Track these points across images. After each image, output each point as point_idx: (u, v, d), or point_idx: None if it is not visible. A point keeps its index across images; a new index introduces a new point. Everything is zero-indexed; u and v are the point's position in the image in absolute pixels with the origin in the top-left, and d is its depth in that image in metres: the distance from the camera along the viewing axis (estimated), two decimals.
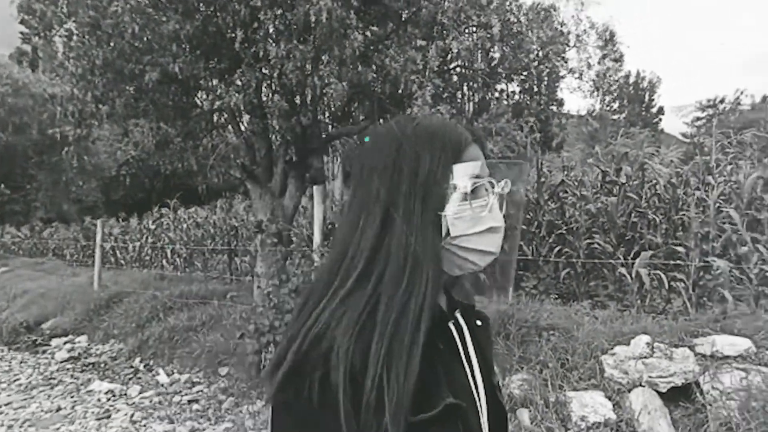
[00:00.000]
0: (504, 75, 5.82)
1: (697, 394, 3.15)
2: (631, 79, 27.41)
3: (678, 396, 3.33)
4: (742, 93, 21.52)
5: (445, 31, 4.31)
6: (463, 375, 0.71)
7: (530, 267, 6.09)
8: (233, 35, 4.39)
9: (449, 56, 4.36)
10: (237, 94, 4.42)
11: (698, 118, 20.74)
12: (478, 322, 0.78)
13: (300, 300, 0.70)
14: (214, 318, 5.24)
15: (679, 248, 4.17)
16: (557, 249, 5.74)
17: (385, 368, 0.58)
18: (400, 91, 4.32)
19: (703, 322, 3.42)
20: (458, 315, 0.76)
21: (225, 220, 9.53)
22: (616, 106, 29.41)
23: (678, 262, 4.06)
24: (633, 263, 4.39)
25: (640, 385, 3.38)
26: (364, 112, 5.66)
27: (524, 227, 6.14)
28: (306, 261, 4.47)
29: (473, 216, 0.70)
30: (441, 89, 4.84)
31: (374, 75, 4.36)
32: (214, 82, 4.78)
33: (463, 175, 0.70)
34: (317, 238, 4.83)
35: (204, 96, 5.08)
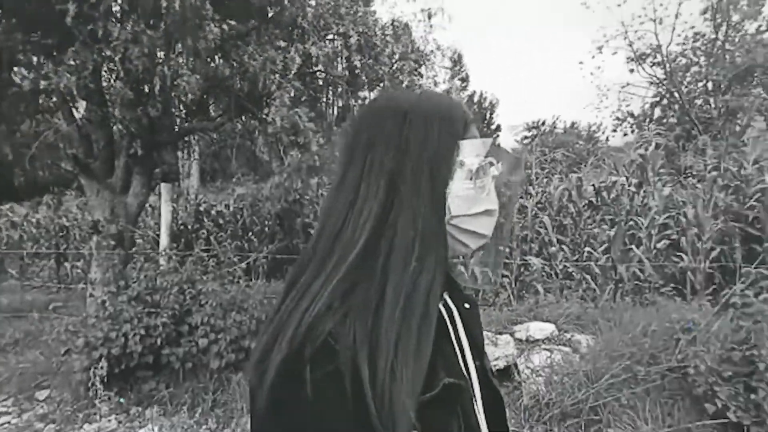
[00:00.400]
0: (365, 83, 6.06)
1: (515, 373, 3.68)
2: (475, 98, 30.71)
3: (502, 377, 3.84)
4: (557, 118, 25.69)
5: (306, 35, 4.36)
6: (454, 357, 0.67)
7: None
8: (64, 7, 3.85)
9: (310, 60, 4.42)
10: (69, 76, 3.90)
11: (525, 137, 24.20)
12: (467, 305, 0.75)
13: (288, 279, 0.63)
14: (32, 334, 4.52)
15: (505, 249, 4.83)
16: None
17: (399, 348, 0.54)
18: (259, 89, 4.25)
19: (521, 312, 4.01)
20: (447, 297, 0.72)
21: (53, 219, 8.26)
22: None
23: (504, 260, 4.70)
24: (467, 263, 4.94)
25: None
26: (220, 107, 5.42)
27: None
28: (151, 265, 4.12)
29: (474, 196, 0.67)
30: (301, 92, 4.87)
31: (231, 71, 4.21)
32: (40, 59, 4.14)
33: (470, 152, 0.67)
34: (164, 240, 4.49)
35: (25, 73, 4.36)
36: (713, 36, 11.76)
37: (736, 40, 11.54)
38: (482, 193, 0.68)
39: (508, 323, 3.97)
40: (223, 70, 4.21)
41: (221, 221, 7.42)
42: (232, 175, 13.47)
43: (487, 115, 30.62)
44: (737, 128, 10.03)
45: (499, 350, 3.80)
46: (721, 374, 2.74)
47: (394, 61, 4.71)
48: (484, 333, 3.91)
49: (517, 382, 3.66)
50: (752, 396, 2.59)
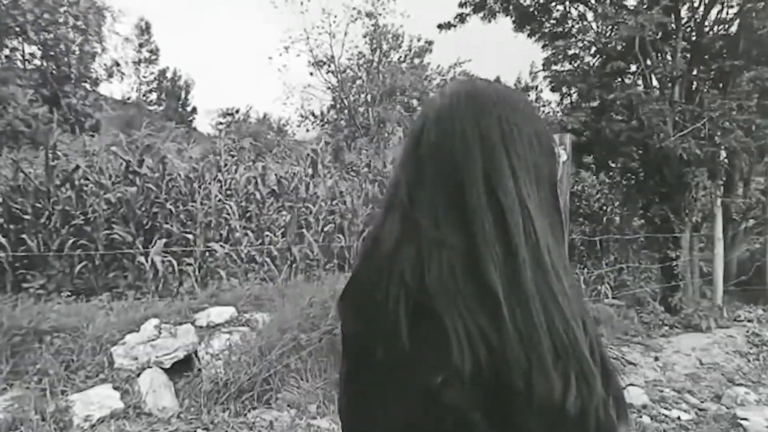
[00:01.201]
0: (19, 30, 4.65)
1: (196, 361, 3.67)
2: (168, 74, 28.33)
3: (182, 368, 3.74)
4: (250, 108, 26.59)
5: None
6: None
7: (38, 264, 5.25)
8: None
9: None
10: None
11: (220, 123, 24.10)
12: None
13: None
14: None
15: (190, 235, 4.71)
16: (72, 241, 5.21)
17: None
18: None
19: (204, 299, 4.02)
20: None
21: None
22: (153, 97, 29.60)
23: (188, 248, 4.58)
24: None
25: (149, 367, 3.58)
26: None
27: (31, 218, 5.23)
28: None
29: None
30: None
31: None
32: None
33: (559, 143, 0.59)
34: None
35: None
36: (371, 58, 14.48)
37: (386, 64, 14.58)
38: None
39: (189, 312, 3.90)
40: None
41: None
42: None
43: (182, 95, 28.60)
44: (387, 134, 12.75)
45: (179, 341, 3.69)
46: None
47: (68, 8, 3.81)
48: (163, 326, 3.74)
49: (198, 369, 3.66)
50: None
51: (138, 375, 3.55)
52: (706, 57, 5.88)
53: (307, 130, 16.31)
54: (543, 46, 6.46)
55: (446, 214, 0.56)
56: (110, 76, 18.68)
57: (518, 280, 0.52)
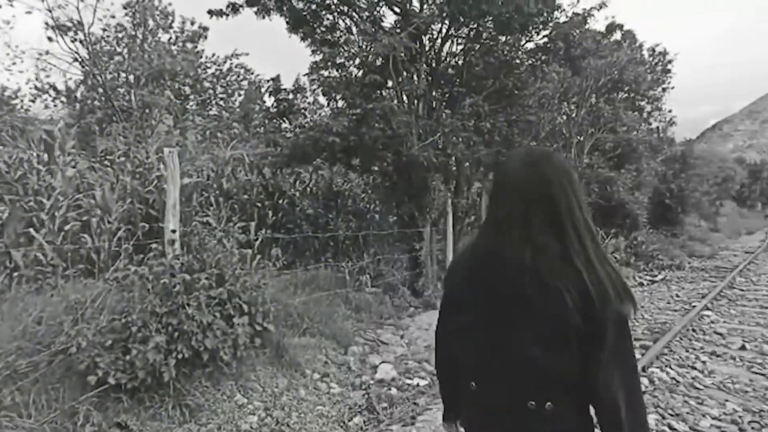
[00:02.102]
0: None
1: None
2: None
3: None
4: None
5: None
6: None
7: None
8: None
9: None
10: None
11: None
12: None
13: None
14: None
15: None
16: None
17: None
18: None
19: None
20: None
21: None
22: None
23: None
24: None
25: None
26: None
27: None
28: None
29: None
30: None
31: None
32: None
33: None
34: None
35: None
36: (133, 33, 12.73)
37: (153, 44, 13.03)
38: None
39: None
40: None
41: None
42: None
43: None
44: (153, 122, 11.41)
45: None
46: (104, 345, 3.07)
47: None
48: None
49: None
50: (127, 357, 3.07)
51: None
52: (442, 82, 7.13)
53: (46, 107, 13.37)
54: (313, 51, 6.80)
55: (546, 230, 1.19)
56: None
57: (587, 258, 1.16)
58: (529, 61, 7.13)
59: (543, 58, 7.04)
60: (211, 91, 13.16)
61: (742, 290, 9.90)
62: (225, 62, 13.59)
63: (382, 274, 6.86)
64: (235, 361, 3.79)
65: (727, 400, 4.26)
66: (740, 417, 3.91)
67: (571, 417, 1.20)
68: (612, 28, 13.05)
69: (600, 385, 1.12)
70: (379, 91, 6.89)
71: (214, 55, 13.94)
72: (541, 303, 1.13)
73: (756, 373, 5.00)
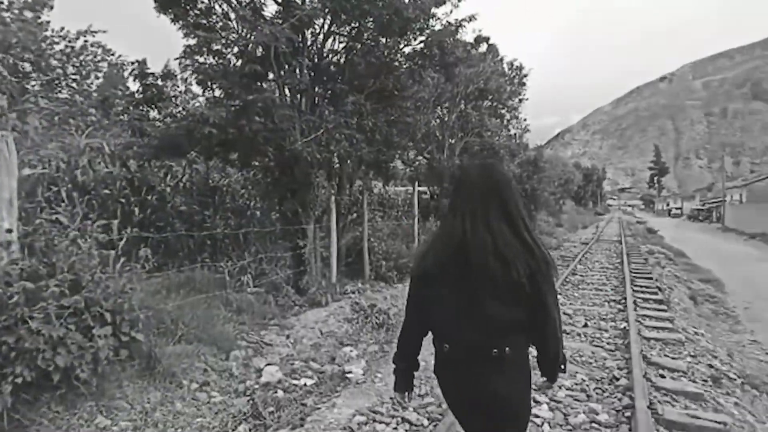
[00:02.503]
0: None
1: None
2: None
3: None
4: None
5: None
6: None
7: None
8: None
9: None
10: None
11: None
12: None
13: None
14: None
15: None
16: None
17: None
18: None
19: None
20: None
21: None
22: None
23: None
24: None
25: None
26: None
27: None
28: None
29: None
30: None
31: None
32: None
33: None
34: None
35: None
36: None
37: None
38: None
39: None
40: None
41: None
42: None
43: None
44: None
45: None
46: None
47: None
48: None
49: None
50: None
51: None
52: (325, 78, 7.08)
53: None
54: (185, 34, 6.26)
55: (500, 218, 1.64)
56: None
57: (529, 235, 1.65)
58: (407, 65, 7.42)
59: (420, 62, 7.37)
60: (60, 71, 11.33)
61: (582, 276, 11.56)
62: (77, 38, 11.80)
63: (264, 273, 6.59)
64: (95, 378, 3.33)
65: (577, 372, 4.91)
66: (587, 386, 4.54)
67: (522, 358, 1.68)
68: (480, 40, 14.25)
69: (545, 328, 1.64)
70: (259, 83, 6.60)
71: (63, 29, 12.01)
72: (500, 273, 1.55)
73: (596, 346, 5.87)
